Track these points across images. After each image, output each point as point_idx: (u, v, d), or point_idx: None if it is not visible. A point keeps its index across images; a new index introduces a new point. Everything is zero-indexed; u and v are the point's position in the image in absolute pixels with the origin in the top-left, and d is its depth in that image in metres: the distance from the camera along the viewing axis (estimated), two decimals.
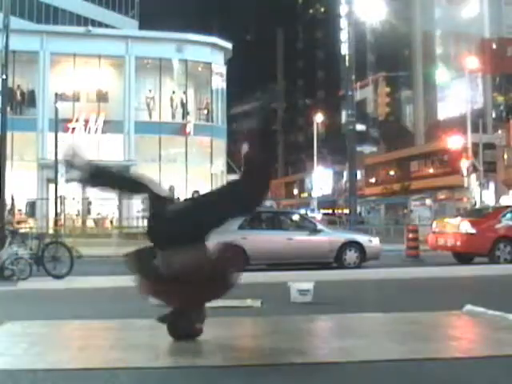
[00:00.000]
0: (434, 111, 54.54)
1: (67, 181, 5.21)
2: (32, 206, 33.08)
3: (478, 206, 28.56)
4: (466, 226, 15.09)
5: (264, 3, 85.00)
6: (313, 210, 48.97)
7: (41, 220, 30.63)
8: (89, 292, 9.29)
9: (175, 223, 4.84)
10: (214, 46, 39.27)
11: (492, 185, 41.42)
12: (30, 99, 36.21)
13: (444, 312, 6.59)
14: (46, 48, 36.00)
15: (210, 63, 38.70)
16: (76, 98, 36.40)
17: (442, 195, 44.82)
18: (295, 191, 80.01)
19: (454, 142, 35.55)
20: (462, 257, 15.61)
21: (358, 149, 36.09)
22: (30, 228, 25.51)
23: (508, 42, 44.65)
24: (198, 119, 39.30)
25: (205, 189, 30.68)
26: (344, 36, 55.37)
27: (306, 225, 15.04)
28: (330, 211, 51.21)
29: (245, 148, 5.08)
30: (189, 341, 4.96)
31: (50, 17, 48.67)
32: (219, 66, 39.41)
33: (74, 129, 34.87)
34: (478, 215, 16.65)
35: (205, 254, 4.89)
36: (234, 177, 46.73)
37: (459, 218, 16.41)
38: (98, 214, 34.50)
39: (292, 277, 9.62)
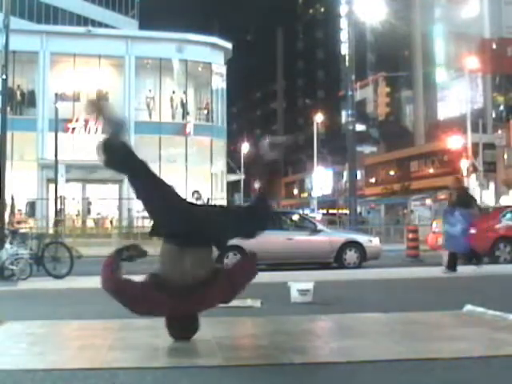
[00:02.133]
0: (433, 111, 54.53)
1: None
2: (32, 206, 33.07)
3: None
4: None
5: (264, 3, 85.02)
6: (313, 210, 48.95)
7: (41, 220, 30.63)
8: (89, 292, 9.27)
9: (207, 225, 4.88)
10: (213, 46, 39.27)
11: (492, 185, 41.41)
12: (30, 99, 36.22)
13: (444, 312, 6.58)
14: (46, 48, 36.00)
15: (209, 63, 38.70)
16: (76, 98, 36.39)
17: (442, 195, 44.76)
18: (295, 191, 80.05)
19: (453, 141, 35.57)
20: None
21: (358, 149, 36.09)
22: (30, 228, 25.52)
23: (508, 42, 44.63)
24: (198, 119, 39.30)
25: (205, 189, 30.74)
26: (344, 36, 55.41)
27: (306, 225, 15.05)
28: (328, 211, 51.15)
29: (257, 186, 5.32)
30: (189, 341, 4.96)
31: (50, 17, 48.67)
32: (219, 66, 39.41)
33: (74, 129, 34.88)
34: None
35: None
36: (233, 177, 46.69)
37: None
38: (98, 214, 34.51)
39: (292, 277, 9.63)
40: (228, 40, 40.98)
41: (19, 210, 31.78)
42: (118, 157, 5.04)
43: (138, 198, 5.03)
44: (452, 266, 11.56)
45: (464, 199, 11.82)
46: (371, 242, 15.05)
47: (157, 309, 4.75)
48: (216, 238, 5.02)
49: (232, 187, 47.65)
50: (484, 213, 15.26)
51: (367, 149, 59.67)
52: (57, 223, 26.57)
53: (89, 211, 34.70)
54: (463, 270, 12.90)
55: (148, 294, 4.67)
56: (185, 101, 37.67)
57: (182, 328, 4.94)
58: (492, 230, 14.94)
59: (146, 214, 5.32)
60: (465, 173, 32.95)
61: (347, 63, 22.41)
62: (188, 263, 4.71)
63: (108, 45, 36.51)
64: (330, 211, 50.10)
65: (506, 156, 42.93)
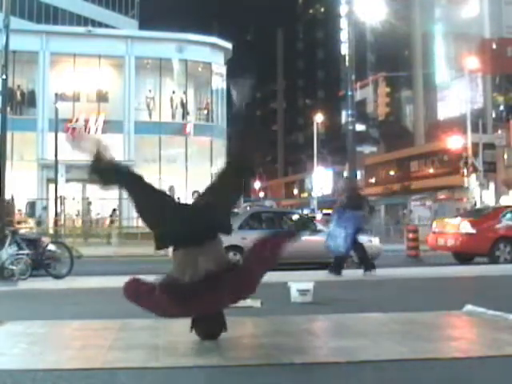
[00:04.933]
0: (434, 111, 54.55)
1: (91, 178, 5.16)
2: (32, 206, 33.08)
3: (478, 206, 28.56)
4: (466, 226, 15.09)
5: (264, 3, 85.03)
6: (313, 210, 48.91)
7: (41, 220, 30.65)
8: (89, 292, 9.29)
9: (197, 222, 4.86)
10: (213, 46, 39.27)
11: (492, 185, 41.43)
12: (30, 99, 36.20)
13: (444, 312, 6.59)
14: (46, 48, 35.99)
15: (209, 63, 38.70)
16: (76, 98, 36.40)
17: (442, 195, 44.81)
18: (295, 191, 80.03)
19: (453, 142, 35.57)
20: (462, 257, 15.62)
21: (358, 149, 36.02)
22: (30, 228, 25.54)
23: (508, 42, 44.65)
24: (198, 119, 39.29)
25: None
26: (344, 36, 55.39)
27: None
28: (322, 211, 51.05)
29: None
30: (189, 341, 4.96)
31: (50, 17, 48.67)
32: (219, 66, 39.41)
33: (74, 129, 34.87)
34: (478, 215, 16.66)
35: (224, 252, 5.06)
36: None
37: (459, 218, 16.41)
38: (98, 214, 34.49)
39: (292, 277, 9.63)
40: (228, 40, 40.98)
41: (19, 210, 31.81)
42: (107, 176, 5.05)
43: (136, 211, 5.05)
44: (337, 268, 11.29)
45: (354, 201, 11.56)
46: (371, 242, 15.03)
47: (171, 310, 4.77)
48: (212, 224, 4.94)
49: None
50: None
51: (367, 149, 59.64)
52: (56, 223, 26.63)
53: (89, 211, 34.68)
54: (462, 269, 12.90)
55: (161, 296, 4.66)
56: (185, 101, 37.67)
57: (208, 327, 4.97)
58: (492, 230, 14.95)
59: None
60: (465, 173, 32.93)
61: (347, 63, 22.35)
62: (199, 260, 4.73)
63: (108, 45, 36.50)
64: (326, 212, 50.00)
65: (506, 156, 42.94)
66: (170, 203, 5.23)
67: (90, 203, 34.50)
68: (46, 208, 32.32)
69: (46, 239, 13.37)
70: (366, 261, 11.73)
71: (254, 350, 4.91)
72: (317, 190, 57.57)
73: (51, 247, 12.30)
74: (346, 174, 36.92)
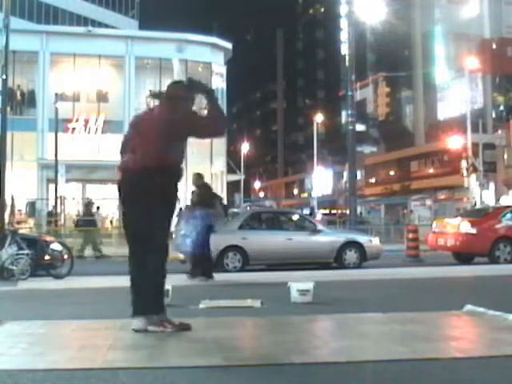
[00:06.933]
0: (434, 111, 54.56)
1: None
2: (32, 206, 33.09)
3: (477, 206, 28.57)
4: (466, 226, 15.09)
5: (264, 3, 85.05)
6: (312, 210, 48.90)
7: (41, 220, 30.64)
8: (89, 292, 9.28)
9: None
10: (214, 46, 39.30)
11: (492, 185, 41.46)
12: (30, 99, 36.23)
13: (444, 312, 6.58)
14: (46, 48, 36.02)
15: (209, 63, 38.72)
16: (76, 98, 36.41)
17: (442, 195, 44.84)
18: (295, 191, 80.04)
19: (454, 142, 35.58)
20: (462, 257, 15.62)
21: (358, 149, 36.07)
22: (30, 228, 25.53)
23: (508, 42, 44.71)
24: None
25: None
26: (344, 36, 55.39)
27: (306, 225, 15.05)
28: (316, 210, 51.12)
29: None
30: (189, 341, 4.96)
31: (50, 17, 48.71)
32: (219, 66, 39.43)
33: (74, 129, 34.88)
34: (478, 215, 16.66)
35: None
36: (233, 177, 46.61)
37: (459, 218, 16.41)
38: (98, 214, 34.46)
39: (292, 277, 9.62)
40: (228, 40, 40.99)
41: (19, 210, 31.81)
42: None
43: None
44: (195, 271, 10.48)
45: (205, 198, 10.67)
46: (371, 241, 15.04)
47: None
48: None
49: (232, 187, 47.69)
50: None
51: (367, 149, 59.72)
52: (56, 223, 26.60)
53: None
54: (462, 269, 12.90)
55: None
56: None
57: None
58: (492, 230, 14.95)
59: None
60: (465, 173, 32.94)
61: (347, 63, 22.39)
62: None
63: (108, 45, 36.52)
64: (324, 211, 50.04)
65: (506, 156, 42.99)
66: None
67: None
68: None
69: (50, 238, 13.39)
70: (209, 267, 10.78)
71: (254, 350, 4.91)
72: (317, 190, 57.58)
73: (56, 246, 12.30)
74: (345, 174, 37.00)
